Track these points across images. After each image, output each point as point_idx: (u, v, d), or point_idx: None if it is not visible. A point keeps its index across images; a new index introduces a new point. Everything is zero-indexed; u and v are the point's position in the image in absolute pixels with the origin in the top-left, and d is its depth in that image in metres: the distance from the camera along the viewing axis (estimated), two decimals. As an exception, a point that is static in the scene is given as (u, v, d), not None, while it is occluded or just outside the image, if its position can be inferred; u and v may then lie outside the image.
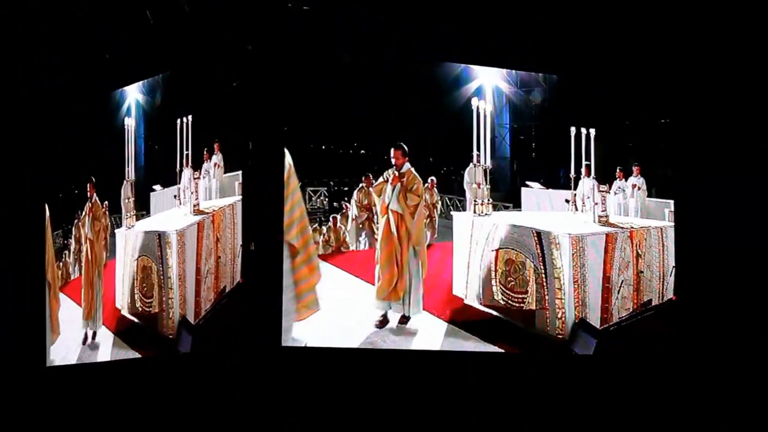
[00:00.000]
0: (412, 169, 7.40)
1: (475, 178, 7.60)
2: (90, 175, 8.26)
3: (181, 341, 7.43)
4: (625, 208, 7.95)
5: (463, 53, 7.59)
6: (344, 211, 7.52)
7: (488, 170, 7.58)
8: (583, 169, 7.78)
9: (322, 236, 7.49)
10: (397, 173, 7.38)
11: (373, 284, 7.35)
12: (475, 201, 7.57)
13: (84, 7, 7.82)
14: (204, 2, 7.52)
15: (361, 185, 7.55)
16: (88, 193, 8.29)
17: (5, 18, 8.12)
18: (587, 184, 7.81)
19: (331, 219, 7.51)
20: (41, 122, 8.48)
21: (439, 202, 7.74)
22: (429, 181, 7.59)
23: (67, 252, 8.56)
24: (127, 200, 7.96)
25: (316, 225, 7.47)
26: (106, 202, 8.18)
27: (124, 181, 7.99)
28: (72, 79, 8.16)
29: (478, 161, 7.58)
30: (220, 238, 7.44)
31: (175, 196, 7.71)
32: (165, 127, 7.68)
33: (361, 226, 7.62)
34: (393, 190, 7.36)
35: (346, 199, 7.53)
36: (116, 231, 8.02)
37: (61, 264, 8.59)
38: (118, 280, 7.95)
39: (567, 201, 7.79)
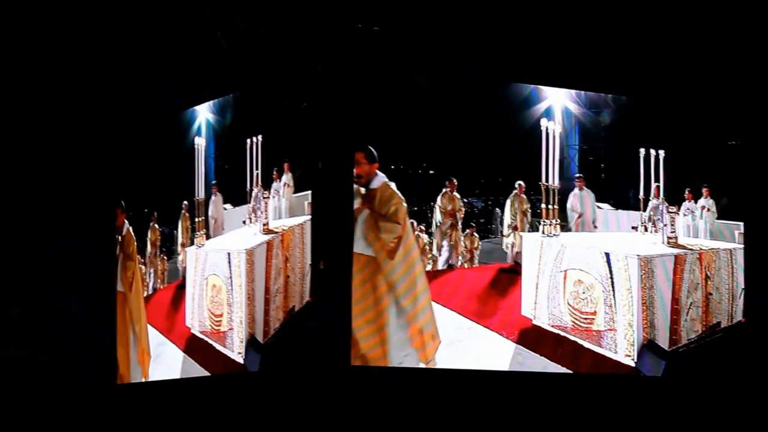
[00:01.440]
0: (391, 184, 6.33)
1: (580, 206, 7.55)
2: (161, 196, 8.26)
3: (250, 360, 7.46)
4: (694, 229, 7.91)
5: (532, 74, 7.59)
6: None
7: (556, 191, 7.58)
8: (652, 191, 7.76)
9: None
10: (363, 191, 5.50)
11: (450, 307, 7.12)
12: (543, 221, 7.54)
13: (157, 27, 7.91)
14: (274, 24, 7.59)
15: (444, 190, 7.35)
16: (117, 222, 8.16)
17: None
18: (657, 205, 7.78)
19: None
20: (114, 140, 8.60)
21: (529, 212, 7.17)
22: (517, 185, 7.35)
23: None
24: (199, 219, 8.00)
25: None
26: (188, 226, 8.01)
27: (213, 197, 7.96)
28: (145, 98, 8.25)
29: (581, 186, 7.57)
30: (289, 258, 7.46)
31: (244, 222, 7.75)
32: (235, 146, 7.76)
33: (446, 232, 7.33)
34: (357, 219, 5.47)
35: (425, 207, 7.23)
36: (186, 249, 8.07)
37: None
38: (188, 298, 7.99)
39: (634, 228, 7.76)
